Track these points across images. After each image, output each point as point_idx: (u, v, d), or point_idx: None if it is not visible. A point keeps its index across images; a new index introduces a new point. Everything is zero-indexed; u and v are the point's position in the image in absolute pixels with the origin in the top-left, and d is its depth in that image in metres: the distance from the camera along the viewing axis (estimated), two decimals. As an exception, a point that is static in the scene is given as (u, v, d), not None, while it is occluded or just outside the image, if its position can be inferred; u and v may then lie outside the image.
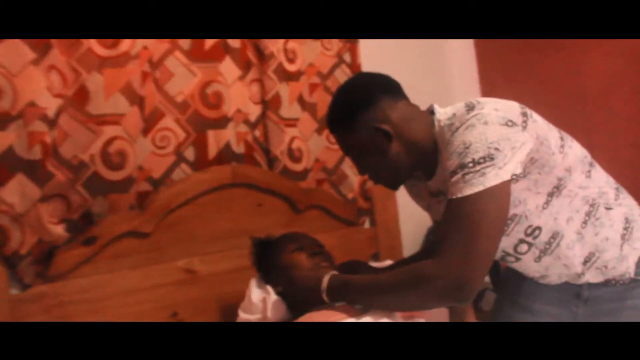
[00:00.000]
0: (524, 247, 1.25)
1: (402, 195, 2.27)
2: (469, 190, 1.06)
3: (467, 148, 1.07)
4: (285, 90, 1.97)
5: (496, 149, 1.06)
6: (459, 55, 2.61)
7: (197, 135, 1.77)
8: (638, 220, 1.27)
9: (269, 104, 1.94)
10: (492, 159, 1.06)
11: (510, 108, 1.15)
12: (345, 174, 2.13)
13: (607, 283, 1.26)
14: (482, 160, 1.06)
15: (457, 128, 1.12)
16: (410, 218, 2.29)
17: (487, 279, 2.21)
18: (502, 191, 1.07)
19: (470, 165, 1.06)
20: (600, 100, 2.17)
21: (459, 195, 1.07)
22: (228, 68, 1.83)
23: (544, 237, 1.22)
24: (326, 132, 2.08)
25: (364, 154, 1.27)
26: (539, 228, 1.21)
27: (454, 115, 1.17)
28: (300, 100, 2.02)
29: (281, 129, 1.95)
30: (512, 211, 1.16)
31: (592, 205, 1.23)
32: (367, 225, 2.20)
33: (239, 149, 1.87)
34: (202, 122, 1.79)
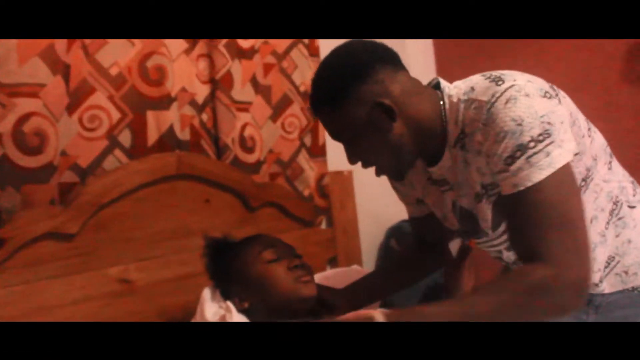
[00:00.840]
0: None
1: (358, 192, 2.08)
2: (538, 175, 0.90)
3: (520, 125, 0.91)
4: (237, 69, 1.71)
5: (549, 123, 0.91)
6: (418, 55, 2.46)
7: (134, 117, 1.48)
8: None
9: (219, 84, 1.66)
10: (549, 134, 0.91)
11: (539, 80, 1.00)
12: (301, 167, 1.89)
13: (623, 291, 1.11)
14: (541, 138, 0.90)
15: (493, 103, 0.94)
16: (368, 218, 2.10)
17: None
18: (569, 171, 0.93)
19: (532, 145, 0.90)
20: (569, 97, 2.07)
21: (529, 184, 0.90)
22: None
23: None
24: (281, 119, 1.84)
25: (360, 137, 1.05)
26: None
27: (473, 89, 0.99)
28: (254, 82, 1.77)
29: (232, 113, 1.69)
30: None
31: (615, 203, 1.09)
32: (323, 225, 1.97)
33: (183, 134, 1.59)
34: (141, 100, 1.50)
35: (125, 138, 1.47)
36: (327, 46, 2.00)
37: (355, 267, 1.77)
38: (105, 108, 1.43)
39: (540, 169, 0.90)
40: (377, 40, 1.09)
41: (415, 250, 1.40)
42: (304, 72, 1.91)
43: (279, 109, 1.84)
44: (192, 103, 1.62)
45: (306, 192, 1.90)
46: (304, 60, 1.91)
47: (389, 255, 2.07)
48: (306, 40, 1.92)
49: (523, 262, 0.94)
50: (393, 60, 1.05)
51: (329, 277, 1.68)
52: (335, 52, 1.09)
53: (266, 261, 1.21)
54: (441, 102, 1.04)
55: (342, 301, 1.29)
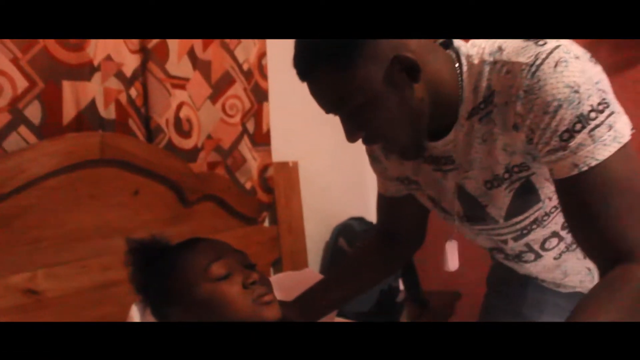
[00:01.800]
0: (553, 242, 0.96)
1: (303, 186, 1.88)
2: (604, 152, 0.75)
3: (577, 92, 0.74)
4: (173, 39, 1.45)
5: (604, 91, 0.77)
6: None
7: (45, 87, 1.20)
8: None
9: (152, 54, 1.40)
10: (607, 104, 0.76)
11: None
12: (243, 156, 1.66)
13: None
14: (601, 108, 0.75)
15: (538, 66, 0.76)
16: (314, 215, 1.91)
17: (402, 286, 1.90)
18: (631, 144, 0.77)
19: (592, 115, 0.75)
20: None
21: (593, 163, 0.75)
22: (96, -5, 1.27)
23: None
24: (222, 101, 1.60)
25: (372, 103, 0.82)
26: None
27: (501, 49, 0.81)
28: (192, 55, 1.52)
29: (167, 90, 1.43)
30: None
31: None
32: (266, 223, 1.75)
33: (107, 112, 1.31)
34: (55, 67, 1.21)
35: (33, 112, 1.18)
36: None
37: (308, 270, 1.56)
38: (8, 74, 1.14)
39: (605, 145, 0.74)
40: None
41: (377, 244, 1.19)
42: (248, 48, 1.68)
43: (219, 88, 1.60)
44: (119, 75, 1.34)
45: (248, 185, 1.68)
46: (249, 35, 1.67)
47: (339, 255, 1.89)
48: (251, 12, 1.69)
49: (603, 258, 0.79)
50: None
51: (278, 282, 1.47)
52: None
53: (215, 278, 0.94)
54: (457, 65, 0.85)
55: (294, 316, 1.07)
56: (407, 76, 0.80)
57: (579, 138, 0.75)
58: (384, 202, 1.14)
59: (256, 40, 1.70)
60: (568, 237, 0.95)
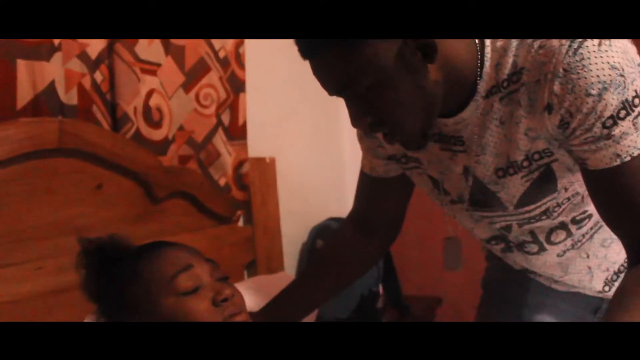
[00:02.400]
0: (560, 235, 0.91)
1: (280, 184, 1.78)
2: None
3: (622, 76, 0.69)
4: (144, 19, 1.33)
5: None
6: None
7: (-3, 65, 1.07)
8: None
9: (120, 35, 1.28)
10: None
11: None
12: (217, 150, 1.55)
13: None
14: None
15: (581, 43, 0.70)
16: (291, 215, 1.80)
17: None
18: None
19: (637, 102, 0.70)
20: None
21: (637, 152, 0.71)
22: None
23: (587, 227, 0.91)
24: (196, 90, 1.48)
25: (384, 83, 0.74)
26: (590, 216, 0.89)
27: None
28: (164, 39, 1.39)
29: (135, 75, 1.32)
30: (574, 188, 0.84)
31: None
32: (241, 222, 1.64)
33: (69, 97, 1.19)
34: (8, 43, 1.09)
35: (-18, 94, 1.05)
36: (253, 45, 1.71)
37: (283, 273, 1.46)
38: (-47, 49, 1.01)
39: None
40: None
41: (352, 234, 1.10)
42: (225, 34, 1.56)
43: (193, 76, 1.48)
44: (83, 56, 1.22)
45: (222, 182, 1.56)
46: (226, 20, 1.56)
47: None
48: (229, -4, 1.58)
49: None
50: None
51: (252, 287, 1.37)
52: None
53: (182, 292, 0.83)
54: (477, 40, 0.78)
55: None
56: (422, 55, 0.72)
57: (623, 126, 0.70)
58: (368, 183, 1.05)
59: (233, 27, 1.59)
60: (577, 233, 0.90)
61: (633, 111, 0.70)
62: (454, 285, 2.00)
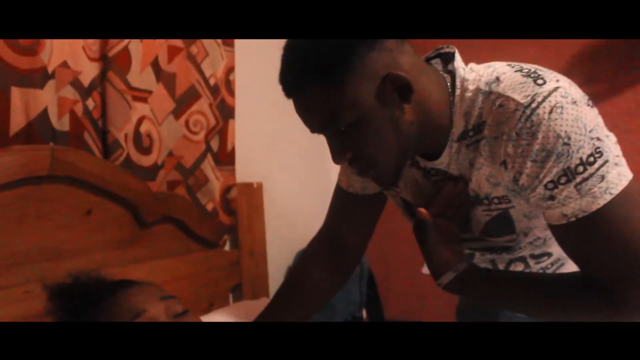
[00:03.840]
0: (519, 267, 0.96)
1: (266, 209, 1.80)
2: (592, 205, 0.73)
3: (568, 144, 0.71)
4: (137, 48, 1.36)
5: (598, 139, 0.73)
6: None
7: (-8, 93, 1.08)
8: None
9: (113, 64, 1.30)
10: (600, 153, 0.72)
11: (574, 83, 0.79)
12: (205, 176, 1.57)
13: None
14: (591, 160, 0.72)
15: (534, 110, 0.73)
16: (277, 240, 1.83)
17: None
18: (634, 189, 0.75)
19: (580, 170, 0.73)
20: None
21: (581, 215, 0.74)
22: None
23: (546, 263, 0.94)
24: (185, 116, 1.51)
25: (362, 122, 0.78)
26: (550, 255, 0.91)
27: (499, 80, 0.78)
28: (155, 67, 1.43)
29: (127, 103, 1.33)
30: (534, 233, 0.88)
31: None
32: (227, 247, 1.66)
33: (61, 123, 1.21)
34: (3, 71, 1.11)
35: (-24, 121, 1.07)
36: (242, 46, 1.73)
37: (264, 299, 1.48)
38: (-50, 76, 1.03)
39: (595, 197, 0.73)
40: None
41: (323, 252, 1.11)
42: (216, 61, 1.59)
43: (183, 103, 1.51)
44: (76, 84, 1.24)
45: (210, 206, 1.58)
46: (216, 48, 1.60)
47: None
48: (220, 25, 1.61)
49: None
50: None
51: (233, 313, 1.38)
52: None
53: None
54: (449, 86, 0.82)
55: None
56: (398, 96, 0.76)
57: (565, 191, 0.73)
58: (343, 198, 1.07)
59: (224, 54, 1.62)
60: (535, 267, 0.93)
61: (575, 178, 0.72)
62: (437, 310, 2.02)
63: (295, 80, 0.78)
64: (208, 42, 1.58)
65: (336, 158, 0.83)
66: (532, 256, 0.91)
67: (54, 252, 1.15)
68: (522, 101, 0.73)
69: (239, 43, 1.68)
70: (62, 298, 0.89)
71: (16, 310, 1.08)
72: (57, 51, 1.20)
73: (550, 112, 0.72)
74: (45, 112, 1.16)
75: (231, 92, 1.64)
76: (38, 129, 1.15)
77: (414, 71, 0.78)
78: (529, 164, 0.74)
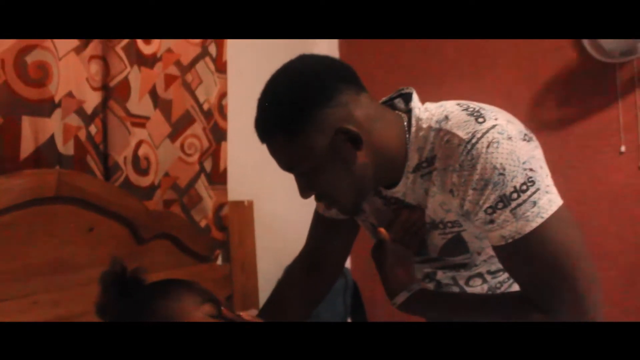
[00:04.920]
0: (477, 282, 1.04)
1: (257, 225, 1.90)
2: (526, 228, 0.83)
3: (503, 175, 0.82)
4: (136, 78, 1.48)
5: (531, 169, 0.84)
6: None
7: (4, 121, 1.20)
8: None
9: (114, 92, 1.42)
10: (533, 182, 0.83)
11: (516, 120, 0.91)
12: (199, 195, 1.68)
13: None
14: (524, 187, 0.82)
15: (474, 145, 0.84)
16: (267, 254, 1.93)
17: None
18: (563, 214, 0.85)
19: (514, 196, 0.83)
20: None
21: (517, 237, 0.84)
22: (61, 33, 1.29)
23: (503, 277, 1.03)
24: (181, 140, 1.62)
25: (319, 168, 0.90)
26: (504, 270, 1.00)
27: (447, 119, 0.89)
28: (153, 94, 1.54)
29: (126, 128, 1.45)
30: (487, 252, 0.97)
31: None
32: (219, 261, 1.77)
33: (66, 148, 1.32)
34: (15, 102, 1.22)
35: (-9, 147, 1.18)
36: (235, 63, 1.85)
37: (254, 310, 1.58)
38: (-34, 107, 1.14)
39: (527, 221, 0.83)
40: (333, 57, 0.96)
41: (301, 274, 1.20)
42: (209, 88, 1.72)
43: (178, 127, 1.62)
44: (80, 112, 1.36)
45: (203, 223, 1.69)
46: (210, 75, 1.72)
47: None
48: (214, 54, 1.74)
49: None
50: (355, 80, 0.92)
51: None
52: (290, 69, 0.92)
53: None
54: (405, 124, 0.93)
55: None
56: (351, 145, 0.88)
57: (502, 216, 0.83)
58: (321, 223, 1.17)
59: (217, 80, 1.74)
60: (493, 281, 1.03)
61: (510, 204, 0.82)
62: (421, 318, 2.12)
63: (263, 129, 0.91)
64: (202, 70, 1.70)
65: (302, 195, 0.95)
66: (489, 272, 1.02)
67: (58, 265, 1.26)
68: (465, 137, 0.84)
69: (231, 70, 1.80)
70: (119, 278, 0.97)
71: (25, 320, 1.19)
72: (64, 82, 1.31)
73: (488, 147, 0.82)
74: (52, 138, 1.28)
75: (224, 117, 1.76)
76: (45, 154, 1.26)
77: (368, 122, 0.89)
78: (470, 191, 0.85)
